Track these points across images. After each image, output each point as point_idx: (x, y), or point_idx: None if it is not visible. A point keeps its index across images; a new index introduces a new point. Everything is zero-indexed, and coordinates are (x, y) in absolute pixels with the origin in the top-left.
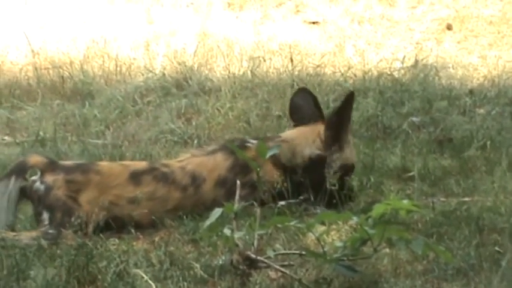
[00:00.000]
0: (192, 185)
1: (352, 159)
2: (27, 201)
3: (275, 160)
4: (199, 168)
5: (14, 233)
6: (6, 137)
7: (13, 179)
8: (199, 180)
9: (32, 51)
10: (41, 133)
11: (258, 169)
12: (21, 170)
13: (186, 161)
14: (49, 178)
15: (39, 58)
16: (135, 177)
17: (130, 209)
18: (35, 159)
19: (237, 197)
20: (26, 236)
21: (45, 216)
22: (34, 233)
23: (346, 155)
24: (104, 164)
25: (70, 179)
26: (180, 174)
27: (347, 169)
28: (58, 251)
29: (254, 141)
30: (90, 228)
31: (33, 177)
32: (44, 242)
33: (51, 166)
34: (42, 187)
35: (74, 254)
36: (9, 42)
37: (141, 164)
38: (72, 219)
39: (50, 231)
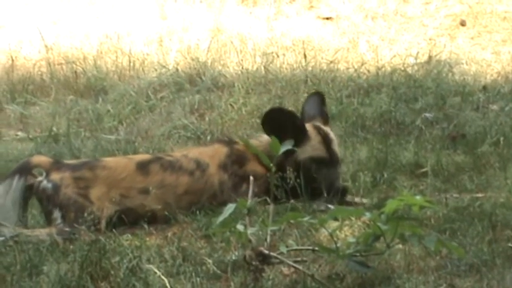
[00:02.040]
0: (198, 169)
1: (306, 153)
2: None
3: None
4: (201, 155)
5: (28, 230)
6: (19, 133)
7: (16, 178)
8: (203, 165)
9: (46, 46)
10: (54, 128)
11: (271, 165)
12: (24, 169)
13: (186, 151)
14: (56, 176)
15: (52, 53)
16: (143, 167)
17: (141, 199)
18: (39, 158)
19: (250, 192)
20: (40, 233)
21: (57, 214)
22: (48, 230)
23: (298, 153)
24: (109, 159)
25: (77, 176)
26: (185, 161)
27: (307, 164)
28: (71, 247)
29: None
30: (103, 224)
31: (40, 178)
32: (59, 239)
33: (56, 165)
34: (49, 186)
35: (87, 250)
36: (22, 38)
37: (145, 156)
38: (85, 215)
39: (65, 229)
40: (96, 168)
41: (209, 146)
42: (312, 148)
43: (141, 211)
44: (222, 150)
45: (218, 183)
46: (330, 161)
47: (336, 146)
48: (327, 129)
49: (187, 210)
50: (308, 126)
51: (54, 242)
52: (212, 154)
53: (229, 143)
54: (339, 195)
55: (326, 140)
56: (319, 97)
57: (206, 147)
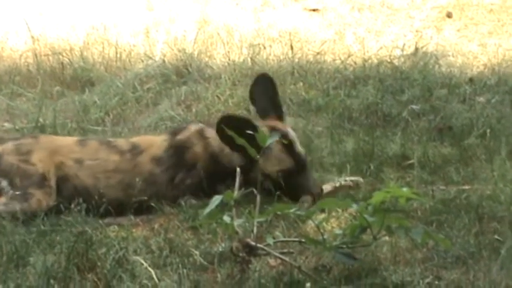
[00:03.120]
0: (129, 152)
1: (271, 167)
2: None
3: (206, 145)
4: (141, 141)
5: None
6: (6, 124)
7: None
8: (137, 150)
9: (32, 37)
10: (41, 120)
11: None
12: None
13: (136, 137)
14: None
15: (39, 44)
16: (82, 141)
17: (76, 168)
18: None
19: (237, 184)
20: (2, 207)
21: (4, 183)
22: (3, 199)
23: (263, 165)
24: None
25: (19, 143)
26: (123, 142)
27: (268, 178)
28: (58, 238)
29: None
30: (53, 184)
31: None
32: (18, 206)
33: (0, 140)
34: None
35: (73, 241)
36: (9, 29)
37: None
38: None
39: (17, 192)
40: (38, 136)
41: (157, 136)
42: (276, 159)
43: (76, 183)
44: (161, 144)
45: (147, 174)
46: (298, 168)
47: (299, 147)
48: (284, 129)
49: (122, 192)
50: (265, 131)
51: (41, 232)
52: (152, 144)
53: (175, 134)
54: (314, 200)
55: (287, 146)
56: (268, 82)
57: (154, 136)
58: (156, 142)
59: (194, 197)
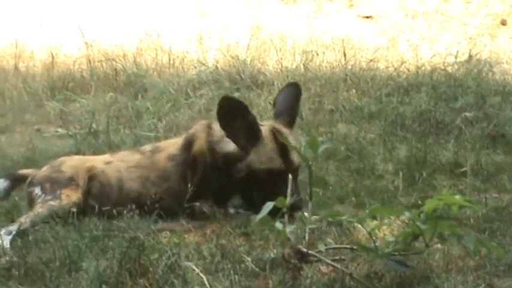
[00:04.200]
0: (150, 152)
1: (259, 164)
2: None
3: (207, 136)
4: (164, 143)
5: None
6: (59, 129)
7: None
8: (157, 150)
9: (86, 43)
10: (94, 125)
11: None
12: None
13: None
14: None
15: (92, 51)
16: (114, 152)
17: (104, 167)
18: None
19: (289, 190)
20: (33, 213)
21: (37, 190)
22: (38, 205)
23: (252, 159)
24: None
25: (53, 161)
26: (148, 146)
27: (255, 175)
28: (110, 243)
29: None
30: (82, 185)
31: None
32: (51, 204)
33: None
34: (30, 177)
35: (126, 246)
36: (63, 35)
37: None
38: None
39: (49, 197)
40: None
41: (179, 137)
42: (266, 157)
43: (102, 179)
44: (177, 142)
45: (162, 170)
46: (285, 173)
47: (295, 155)
48: (285, 133)
49: (140, 185)
50: (265, 129)
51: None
52: (171, 144)
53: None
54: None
55: (282, 148)
56: (294, 90)
57: (178, 138)
58: (177, 142)
59: (206, 201)
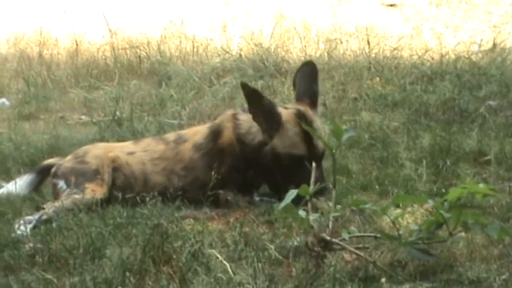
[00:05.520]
0: (174, 142)
1: (282, 148)
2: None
3: (235, 127)
4: (187, 132)
5: (47, 206)
6: (83, 117)
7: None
8: (181, 140)
9: (110, 31)
10: (118, 113)
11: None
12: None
13: (187, 129)
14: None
15: (116, 38)
16: (137, 140)
17: (127, 158)
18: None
19: (312, 178)
20: (62, 202)
21: (61, 183)
22: (63, 198)
23: (275, 143)
24: None
25: (77, 151)
26: (172, 134)
27: (279, 160)
28: (133, 230)
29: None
30: (107, 178)
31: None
32: (74, 198)
33: None
34: (55, 167)
35: (149, 234)
36: (87, 23)
37: None
38: (86, 176)
39: (73, 191)
40: (97, 143)
41: (204, 125)
42: (290, 142)
43: (126, 171)
44: (203, 131)
45: (188, 160)
46: (309, 159)
47: (318, 141)
48: (310, 116)
49: (165, 177)
50: (288, 112)
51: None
52: (196, 132)
53: (215, 119)
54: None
55: (306, 133)
56: (311, 70)
57: (202, 126)
58: (201, 130)
59: (231, 190)
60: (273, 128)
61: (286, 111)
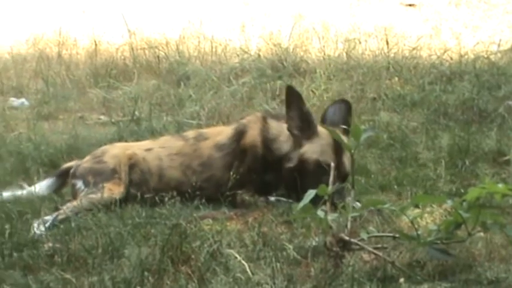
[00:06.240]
0: (194, 139)
1: (311, 154)
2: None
3: (263, 130)
4: (211, 131)
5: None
6: (102, 116)
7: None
8: (202, 137)
9: (129, 31)
10: (137, 113)
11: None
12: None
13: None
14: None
15: (135, 38)
16: (155, 138)
17: (144, 154)
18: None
19: (331, 178)
20: (75, 203)
21: (79, 184)
22: (82, 197)
23: (305, 150)
24: None
25: (95, 151)
26: (192, 132)
27: (305, 165)
28: (152, 230)
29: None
30: (124, 177)
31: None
32: (92, 198)
33: None
34: (73, 168)
35: (167, 234)
36: (106, 23)
37: None
38: (103, 176)
39: (91, 190)
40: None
41: (228, 126)
42: (320, 149)
43: (144, 166)
44: (226, 131)
45: (206, 157)
46: (338, 174)
47: (347, 160)
48: (343, 137)
49: (181, 173)
50: (322, 127)
51: (136, 225)
52: (218, 132)
53: (241, 119)
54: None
55: (337, 147)
56: (346, 106)
57: (225, 126)
58: (225, 131)
59: (247, 190)
60: (305, 136)
61: (321, 125)
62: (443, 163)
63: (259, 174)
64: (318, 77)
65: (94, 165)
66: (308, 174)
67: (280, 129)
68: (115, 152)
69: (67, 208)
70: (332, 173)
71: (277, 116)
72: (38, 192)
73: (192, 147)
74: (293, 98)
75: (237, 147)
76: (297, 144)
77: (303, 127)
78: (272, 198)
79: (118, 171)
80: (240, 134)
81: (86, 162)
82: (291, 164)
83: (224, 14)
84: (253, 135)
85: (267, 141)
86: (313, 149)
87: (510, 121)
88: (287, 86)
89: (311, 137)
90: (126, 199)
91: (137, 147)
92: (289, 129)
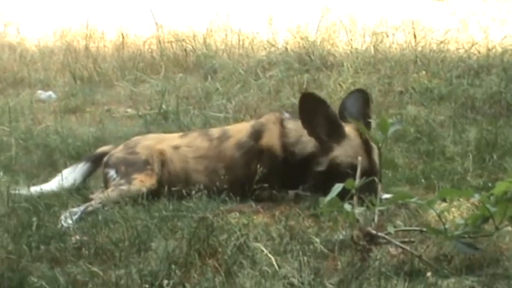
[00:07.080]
0: (218, 139)
1: (345, 158)
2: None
3: (282, 133)
4: (233, 128)
5: (94, 197)
6: (129, 110)
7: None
8: (225, 137)
9: (156, 24)
10: (164, 106)
11: (380, 145)
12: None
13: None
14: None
15: (162, 31)
16: (185, 134)
17: (172, 152)
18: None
19: (358, 172)
20: (103, 195)
21: (112, 173)
22: (110, 189)
23: (336, 154)
24: None
25: (128, 142)
26: (217, 130)
27: (339, 169)
28: (179, 223)
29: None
30: (156, 168)
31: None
32: (123, 188)
33: None
34: (106, 157)
35: (195, 227)
36: (133, 16)
37: None
38: (135, 166)
39: (122, 181)
40: (147, 135)
41: (249, 122)
42: (353, 151)
43: (170, 166)
44: (246, 129)
45: (229, 158)
46: (370, 173)
47: (376, 156)
48: (369, 133)
49: (207, 177)
50: (349, 126)
51: (163, 218)
52: (240, 130)
53: (259, 117)
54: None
55: (367, 146)
56: (363, 96)
57: (247, 122)
58: (244, 128)
59: (268, 189)
60: (334, 140)
61: (347, 124)
62: (470, 157)
63: (281, 176)
64: (345, 71)
65: (127, 155)
66: (341, 177)
67: (300, 130)
68: (147, 143)
69: (96, 200)
70: (359, 167)
71: (293, 115)
72: (72, 179)
73: (215, 150)
74: (317, 105)
75: (255, 146)
76: (327, 148)
77: (331, 131)
78: (300, 192)
79: (150, 163)
80: (257, 133)
81: (119, 152)
82: (321, 168)
83: (251, 7)
84: (271, 138)
85: (288, 145)
86: (346, 153)
87: None
88: (305, 93)
89: (340, 140)
90: (159, 192)
91: (167, 143)
92: (313, 135)
